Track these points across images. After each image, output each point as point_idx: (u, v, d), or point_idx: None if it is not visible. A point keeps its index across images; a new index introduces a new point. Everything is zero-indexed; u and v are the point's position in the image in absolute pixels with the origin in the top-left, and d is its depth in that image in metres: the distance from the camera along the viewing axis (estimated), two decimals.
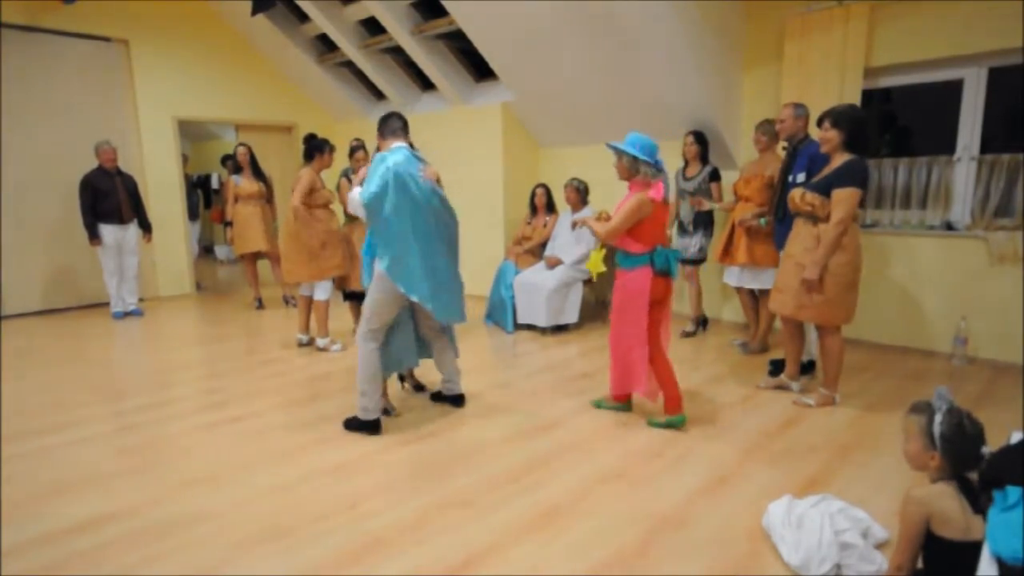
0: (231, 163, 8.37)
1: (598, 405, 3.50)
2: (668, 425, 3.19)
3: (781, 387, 3.68)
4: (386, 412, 3.39)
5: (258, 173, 6.19)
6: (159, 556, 2.15)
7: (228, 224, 6.19)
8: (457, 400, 3.55)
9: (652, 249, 3.08)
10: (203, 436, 3.19)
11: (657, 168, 3.05)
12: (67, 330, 5.64)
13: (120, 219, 5.84)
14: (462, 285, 3.32)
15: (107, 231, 5.81)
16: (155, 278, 7.02)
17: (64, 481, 2.72)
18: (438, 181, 3.19)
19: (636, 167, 3.05)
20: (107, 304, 6.28)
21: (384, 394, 3.30)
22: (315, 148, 4.52)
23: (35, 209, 6.18)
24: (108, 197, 5.75)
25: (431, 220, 3.07)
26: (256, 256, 6.29)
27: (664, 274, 3.11)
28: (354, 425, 3.19)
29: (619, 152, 3.07)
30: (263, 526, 2.33)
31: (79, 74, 6.34)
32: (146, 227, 6.11)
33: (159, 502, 2.52)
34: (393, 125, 3.19)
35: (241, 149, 6.12)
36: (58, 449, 3.05)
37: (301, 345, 4.86)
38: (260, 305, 6.39)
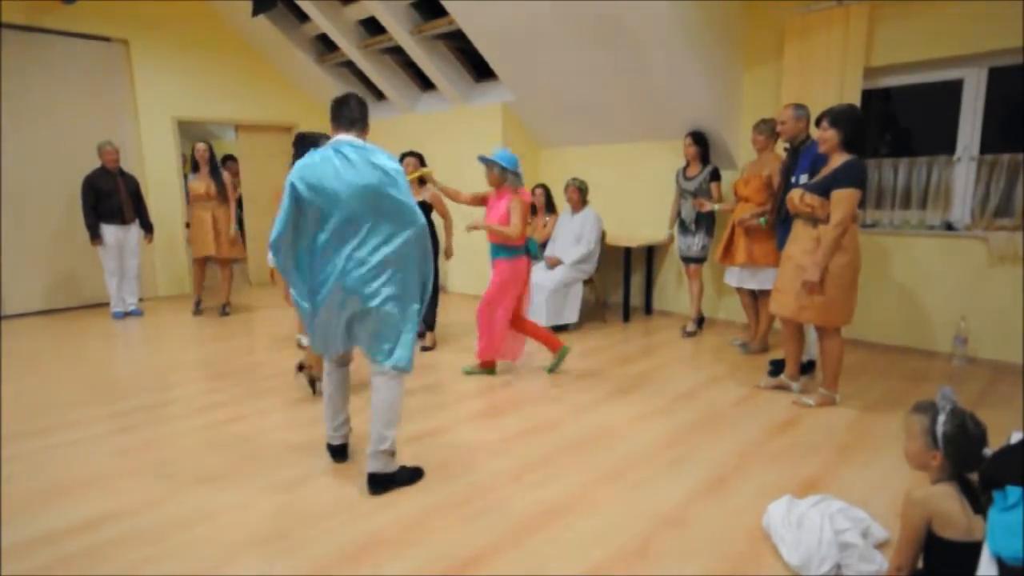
0: (229, 162, 8.34)
1: (468, 372, 4.11)
2: (560, 358, 4.11)
3: (781, 387, 3.68)
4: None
5: (215, 173, 5.97)
6: (159, 556, 2.15)
7: (187, 226, 6.10)
8: (369, 481, 2.55)
9: (525, 240, 3.91)
10: (203, 436, 3.19)
11: (519, 178, 3.81)
12: (67, 330, 5.63)
13: (122, 219, 5.84)
14: (382, 311, 2.44)
15: (108, 231, 5.81)
16: (155, 278, 7.02)
17: (65, 481, 2.71)
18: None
19: (504, 176, 3.78)
20: (107, 304, 6.29)
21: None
22: (312, 145, 4.48)
23: (35, 209, 6.17)
24: (110, 197, 5.74)
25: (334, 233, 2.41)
26: (207, 260, 6.07)
27: (534, 258, 4.08)
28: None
29: (490, 163, 3.79)
30: (263, 526, 2.33)
31: (79, 74, 6.34)
32: (148, 227, 6.10)
33: (159, 502, 2.52)
34: (338, 114, 2.56)
35: (200, 146, 5.90)
36: (58, 449, 3.05)
37: (301, 347, 4.86)
38: (198, 311, 6.18)
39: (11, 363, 4.56)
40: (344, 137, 2.51)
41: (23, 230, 6.13)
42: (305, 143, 4.50)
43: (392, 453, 2.56)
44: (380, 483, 2.54)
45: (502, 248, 3.88)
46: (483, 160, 3.83)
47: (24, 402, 3.72)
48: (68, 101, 6.29)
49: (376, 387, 2.50)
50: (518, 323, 4.07)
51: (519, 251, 3.89)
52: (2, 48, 5.86)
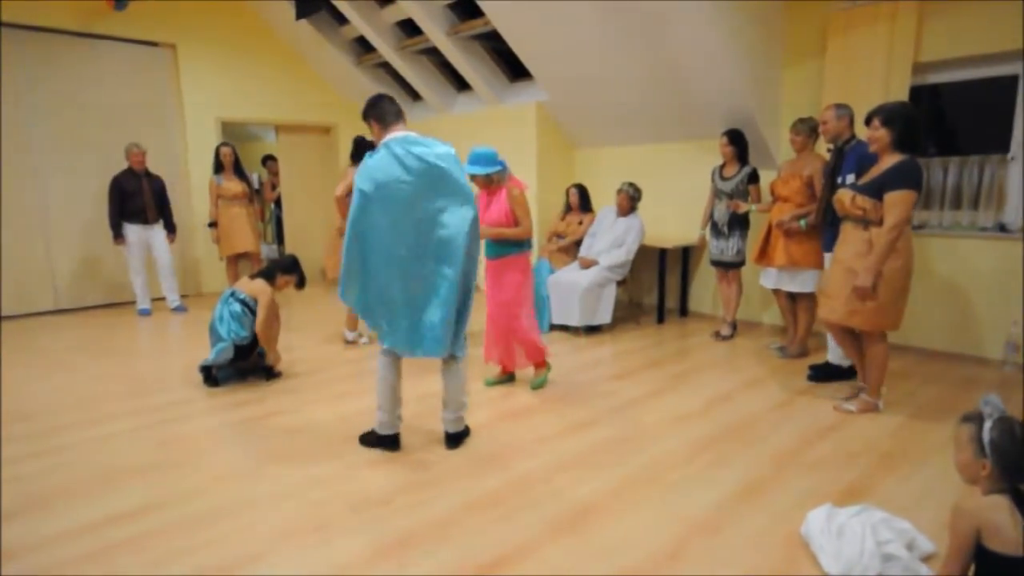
0: (269, 162, 8.47)
1: (492, 383, 3.92)
2: (545, 378, 3.91)
3: (858, 391, 3.45)
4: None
5: (240, 174, 6.21)
6: (195, 548, 2.20)
7: (212, 225, 6.20)
8: (449, 439, 3.02)
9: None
10: (238, 431, 3.26)
11: (505, 168, 3.56)
12: (110, 325, 5.83)
13: (145, 219, 5.96)
14: (449, 309, 2.72)
15: (131, 230, 5.94)
16: (198, 276, 7.22)
17: (107, 471, 2.81)
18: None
19: (489, 179, 3.53)
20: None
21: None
22: (367, 149, 4.55)
23: (86, 210, 6.41)
24: (134, 197, 5.88)
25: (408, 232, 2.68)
26: (239, 257, 6.33)
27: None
28: (371, 440, 3.00)
29: (472, 176, 3.49)
30: (297, 520, 2.37)
31: (130, 78, 6.58)
32: (171, 228, 6.20)
33: (194, 495, 2.58)
34: (382, 112, 2.84)
35: (225, 149, 6.10)
36: (101, 441, 3.15)
37: (348, 342, 4.93)
38: None
39: (52, 358, 4.74)
40: (401, 133, 2.76)
41: (73, 230, 6.37)
42: (366, 144, 4.54)
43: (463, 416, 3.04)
44: (458, 439, 3.02)
45: (512, 244, 3.57)
46: (470, 175, 3.49)
47: (70, 395, 3.85)
48: (119, 103, 6.52)
49: (448, 369, 2.94)
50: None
51: (528, 243, 3.62)
52: (58, 54, 6.12)
